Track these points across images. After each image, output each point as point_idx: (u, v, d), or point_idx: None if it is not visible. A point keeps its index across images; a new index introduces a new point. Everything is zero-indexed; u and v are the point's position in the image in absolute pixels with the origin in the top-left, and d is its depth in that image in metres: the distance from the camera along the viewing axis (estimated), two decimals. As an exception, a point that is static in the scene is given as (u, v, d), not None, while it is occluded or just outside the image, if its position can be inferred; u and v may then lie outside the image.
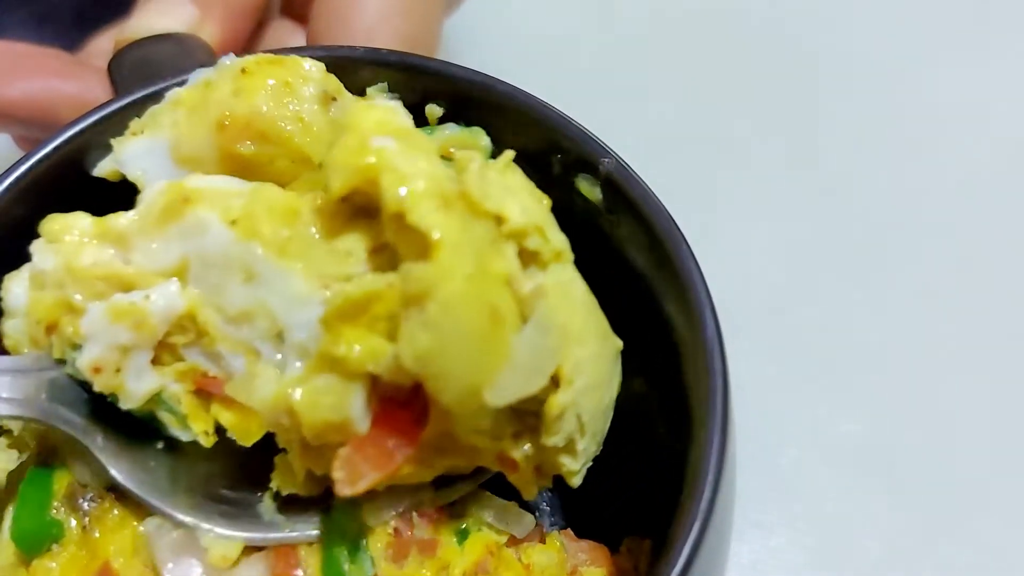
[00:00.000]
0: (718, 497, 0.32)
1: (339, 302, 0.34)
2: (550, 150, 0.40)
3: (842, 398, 0.57)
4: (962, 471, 0.54)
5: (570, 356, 0.35)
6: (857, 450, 0.55)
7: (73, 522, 0.37)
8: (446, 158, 0.37)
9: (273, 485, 0.37)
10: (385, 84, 0.42)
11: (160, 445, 0.38)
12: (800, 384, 0.57)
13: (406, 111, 0.37)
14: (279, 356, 0.36)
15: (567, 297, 0.35)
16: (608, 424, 0.38)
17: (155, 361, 0.37)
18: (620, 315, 0.43)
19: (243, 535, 0.37)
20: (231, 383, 0.36)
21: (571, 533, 0.40)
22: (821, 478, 0.54)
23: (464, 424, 0.34)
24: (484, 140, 0.41)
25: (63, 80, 0.48)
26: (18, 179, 0.39)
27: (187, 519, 0.37)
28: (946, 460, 0.54)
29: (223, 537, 0.36)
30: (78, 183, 0.40)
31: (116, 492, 0.37)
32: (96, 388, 0.36)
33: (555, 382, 0.34)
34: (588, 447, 0.37)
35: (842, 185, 0.64)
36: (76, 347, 0.36)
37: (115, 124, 0.40)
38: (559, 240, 0.36)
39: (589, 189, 0.40)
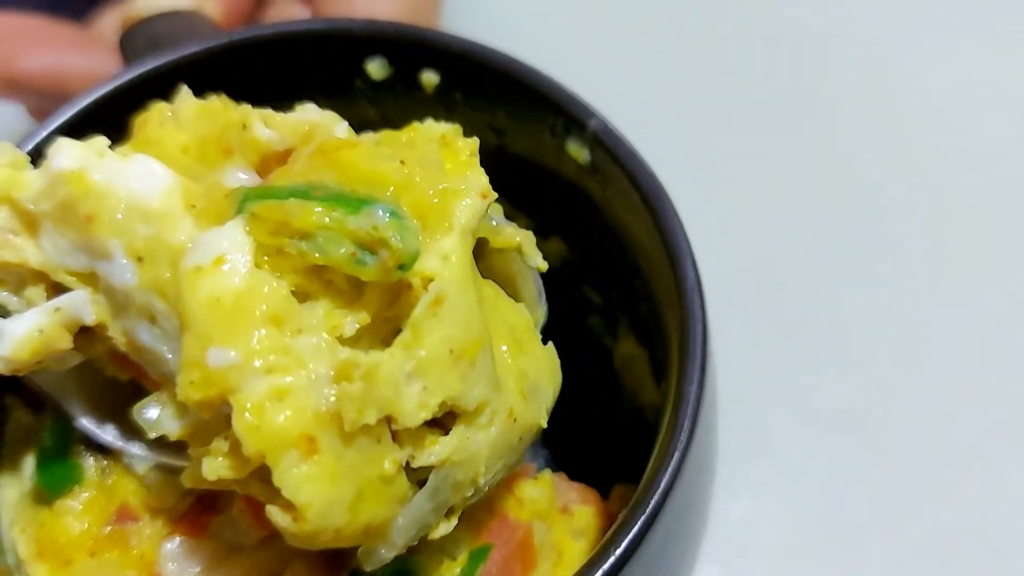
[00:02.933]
0: (695, 436, 0.34)
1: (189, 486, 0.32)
2: (541, 115, 0.42)
3: (832, 361, 0.57)
4: (950, 433, 0.55)
5: (464, 494, 0.33)
6: (846, 413, 0.55)
7: (92, 465, 0.39)
8: (364, 246, 0.31)
9: (182, 479, 0.34)
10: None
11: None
12: (790, 348, 0.58)
13: (242, 236, 0.31)
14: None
15: (472, 457, 0.33)
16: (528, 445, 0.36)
17: (76, 341, 0.34)
18: (611, 275, 0.45)
19: (163, 458, 0.37)
20: (136, 408, 0.33)
21: (564, 476, 0.41)
22: (810, 440, 0.55)
23: None
24: (411, 244, 0.31)
25: (77, 53, 0.50)
26: (37, 147, 0.40)
27: (109, 438, 0.37)
28: (934, 422, 0.55)
29: (143, 457, 0.37)
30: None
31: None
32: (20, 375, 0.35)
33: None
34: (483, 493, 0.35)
35: (837, 158, 0.64)
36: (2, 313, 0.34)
37: (128, 94, 0.42)
38: (479, 395, 0.32)
39: (578, 151, 0.41)
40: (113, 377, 0.36)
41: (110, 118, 0.42)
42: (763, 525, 0.53)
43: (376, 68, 0.44)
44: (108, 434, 0.38)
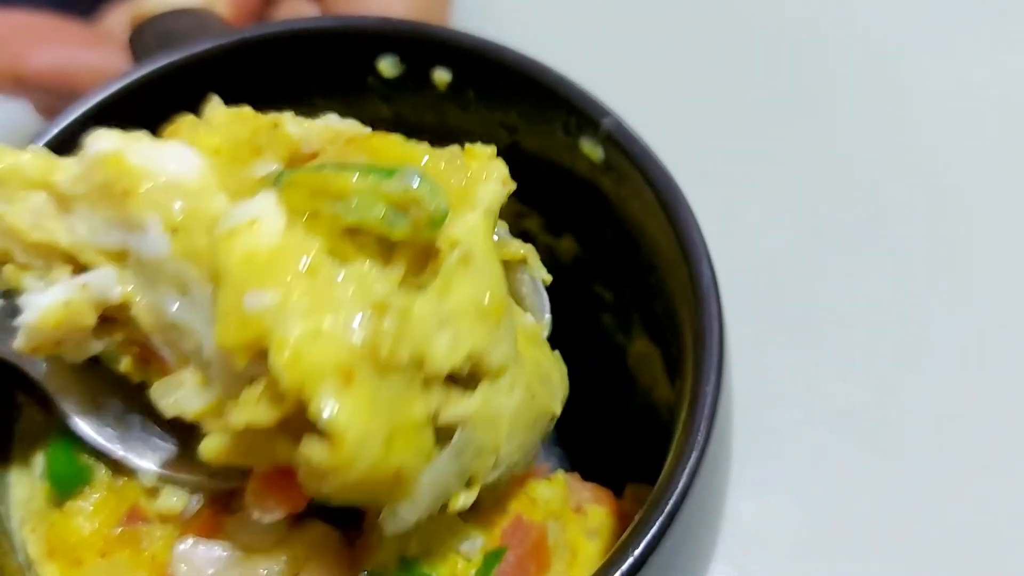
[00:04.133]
0: (712, 436, 0.34)
1: (229, 442, 0.32)
2: (554, 113, 0.42)
3: (842, 362, 0.57)
4: (957, 432, 0.55)
5: (484, 465, 0.34)
6: (854, 412, 0.56)
7: (103, 466, 0.38)
8: (398, 207, 0.32)
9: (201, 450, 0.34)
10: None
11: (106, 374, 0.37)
12: (798, 347, 0.58)
13: (274, 204, 0.32)
14: (205, 368, 0.33)
15: (495, 417, 0.33)
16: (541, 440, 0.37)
17: (96, 329, 0.35)
18: (624, 273, 0.45)
19: (170, 473, 0.37)
20: (156, 387, 0.34)
21: (578, 476, 0.41)
22: (818, 439, 0.55)
23: None
24: (441, 203, 0.32)
25: (85, 50, 0.50)
26: (49, 143, 0.40)
27: (119, 451, 0.37)
28: (942, 421, 0.55)
29: (154, 474, 0.37)
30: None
31: None
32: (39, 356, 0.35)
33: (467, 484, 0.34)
34: (503, 475, 0.36)
35: (841, 158, 0.64)
36: (19, 291, 0.35)
37: (138, 92, 0.42)
38: (500, 356, 0.33)
39: (591, 149, 0.41)
40: (122, 392, 0.37)
41: (120, 115, 0.42)
42: (773, 524, 0.53)
43: (388, 66, 0.44)
44: (116, 449, 0.38)
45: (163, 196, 0.33)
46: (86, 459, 0.38)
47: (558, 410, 0.37)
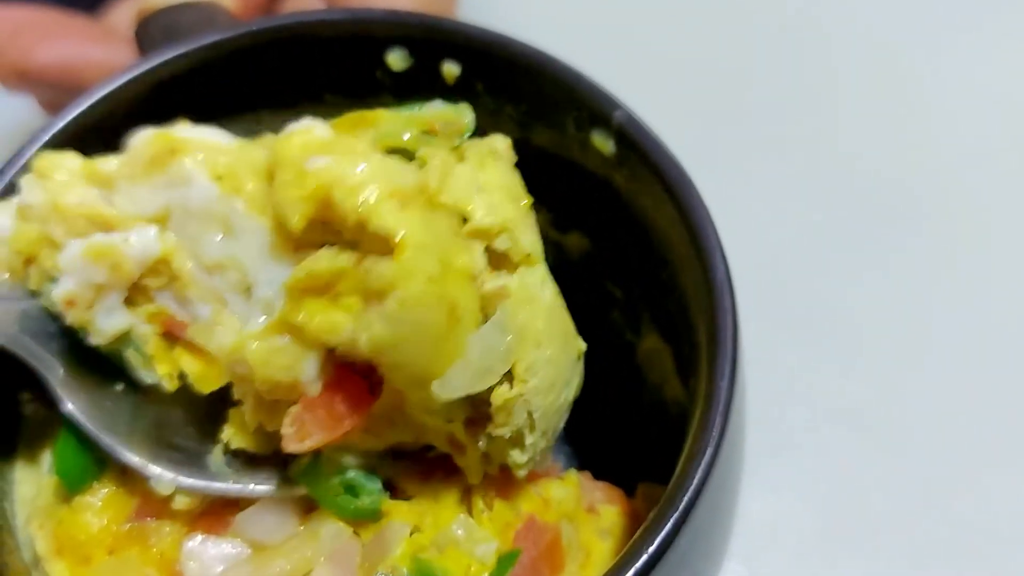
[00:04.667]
0: (726, 433, 0.33)
1: (302, 275, 0.34)
2: (564, 106, 0.41)
3: (852, 360, 0.57)
4: (966, 431, 0.55)
5: (525, 357, 0.35)
6: (865, 411, 0.55)
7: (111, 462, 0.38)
8: (430, 133, 0.38)
9: (224, 437, 0.38)
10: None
11: (120, 387, 0.38)
12: (808, 345, 0.57)
13: (322, 123, 0.37)
14: (245, 309, 0.36)
15: (531, 301, 0.36)
16: (563, 422, 0.39)
17: (127, 301, 0.37)
18: (634, 270, 0.45)
19: (188, 481, 0.37)
20: (194, 327, 0.37)
21: (589, 475, 0.41)
22: (829, 438, 0.55)
23: (416, 404, 0.35)
24: (468, 117, 0.39)
25: (90, 45, 0.50)
26: (55, 136, 0.40)
27: (134, 459, 0.37)
28: (951, 420, 0.55)
29: (166, 480, 0.37)
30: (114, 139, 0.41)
31: None
32: (67, 321, 0.36)
33: (509, 379, 0.35)
34: (537, 442, 0.37)
35: (851, 155, 0.64)
36: (53, 279, 0.36)
37: (145, 84, 0.42)
38: (530, 243, 0.36)
39: (603, 142, 0.41)
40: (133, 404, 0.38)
41: (126, 110, 0.42)
42: (784, 522, 0.53)
43: (397, 59, 0.43)
44: (132, 457, 0.38)
45: (207, 153, 0.37)
46: (94, 454, 0.38)
47: (583, 345, 0.39)
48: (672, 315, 0.42)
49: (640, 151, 0.39)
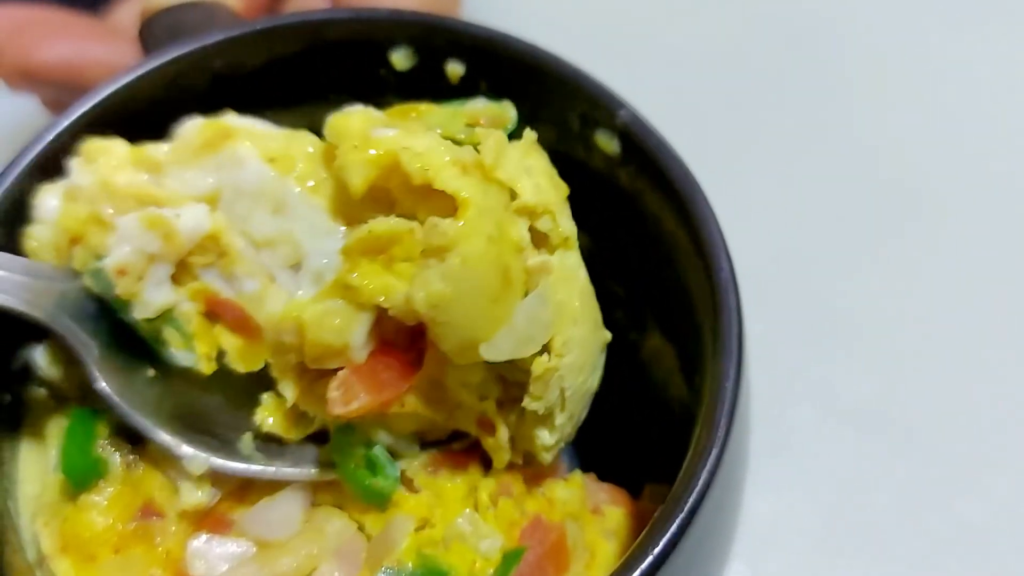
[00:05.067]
0: (732, 433, 0.33)
1: (363, 235, 0.35)
2: (568, 105, 0.41)
3: (857, 358, 0.57)
4: (975, 430, 0.55)
5: (563, 332, 0.37)
6: (871, 409, 0.55)
7: (117, 460, 0.38)
8: (472, 125, 0.39)
9: (257, 419, 0.39)
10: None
11: (151, 373, 0.39)
12: (813, 343, 0.57)
13: (376, 109, 0.39)
14: (293, 283, 0.38)
15: (569, 280, 0.38)
16: (586, 410, 0.40)
17: (173, 279, 0.38)
18: (637, 269, 0.45)
19: (220, 462, 0.38)
20: (242, 295, 0.38)
21: (594, 476, 0.41)
22: (836, 436, 0.55)
23: (456, 377, 0.36)
24: (511, 112, 0.41)
25: (93, 44, 0.50)
26: (59, 135, 0.40)
27: (167, 438, 0.38)
28: (959, 418, 0.55)
29: (198, 460, 0.37)
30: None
31: None
32: (117, 291, 0.37)
33: (547, 352, 0.36)
34: (564, 426, 0.38)
35: (862, 151, 0.64)
36: (99, 257, 0.37)
37: (149, 83, 0.42)
38: (568, 227, 0.38)
39: (606, 142, 0.41)
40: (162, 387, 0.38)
41: (130, 109, 0.42)
42: (788, 521, 0.53)
43: (401, 58, 0.43)
44: (165, 436, 0.38)
45: (259, 139, 0.39)
46: (101, 452, 0.38)
47: (608, 336, 0.41)
48: (676, 314, 0.42)
49: (644, 150, 0.39)
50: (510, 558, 0.36)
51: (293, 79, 0.44)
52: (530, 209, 0.37)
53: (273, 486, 0.38)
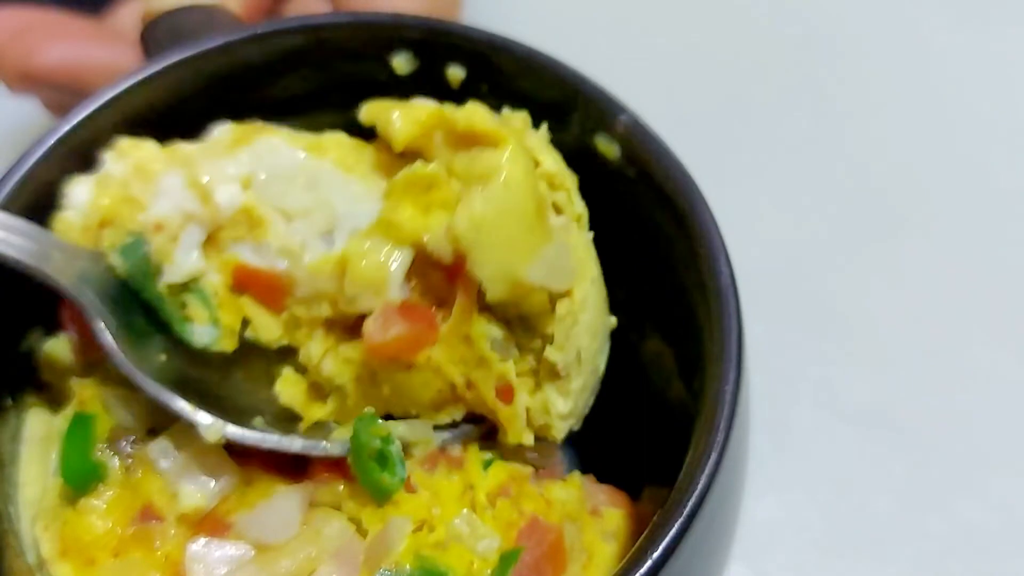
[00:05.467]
0: (731, 436, 0.33)
1: (407, 174, 0.38)
2: (569, 109, 0.41)
3: (857, 360, 0.57)
4: (975, 430, 0.55)
5: (580, 288, 0.39)
6: (871, 410, 0.55)
7: (116, 463, 0.38)
8: None
9: (275, 390, 0.40)
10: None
11: (164, 357, 0.39)
12: (815, 346, 0.57)
13: None
14: (325, 247, 0.40)
15: (584, 249, 0.39)
16: (592, 399, 0.41)
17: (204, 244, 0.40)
18: (638, 272, 0.45)
19: (236, 431, 0.38)
20: (279, 250, 0.39)
21: (592, 477, 0.41)
22: (835, 438, 0.55)
23: (481, 329, 0.38)
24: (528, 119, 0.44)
25: (94, 46, 0.50)
26: (61, 138, 0.40)
27: (184, 405, 0.37)
28: (959, 419, 0.55)
29: (214, 427, 0.37)
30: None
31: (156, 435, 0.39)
32: (151, 248, 0.38)
33: (567, 299, 0.39)
34: (577, 398, 0.40)
35: (861, 149, 0.64)
36: (132, 233, 0.38)
37: (151, 86, 0.42)
38: (581, 207, 0.40)
39: (607, 146, 0.41)
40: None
41: (131, 112, 0.42)
42: (789, 522, 0.53)
43: (402, 63, 0.43)
44: (183, 403, 0.38)
45: (290, 135, 0.41)
46: (99, 455, 0.38)
47: (614, 321, 0.42)
48: (676, 318, 0.42)
49: (645, 154, 0.39)
50: (507, 559, 0.36)
51: (293, 83, 0.44)
52: (551, 177, 0.39)
53: (271, 487, 0.38)
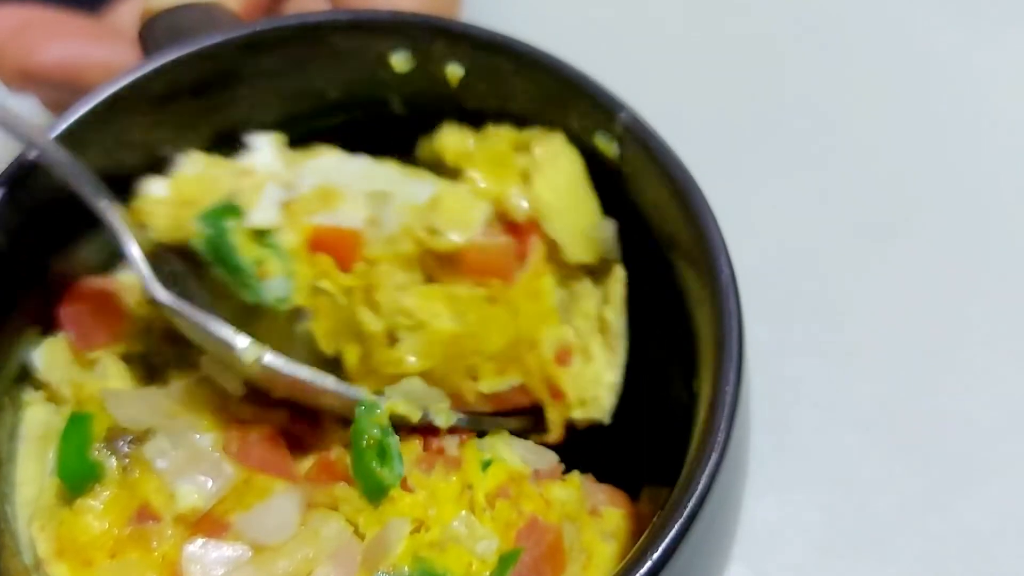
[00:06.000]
0: (732, 437, 0.33)
1: (490, 134, 0.42)
2: (568, 107, 0.41)
3: (859, 361, 0.57)
4: (975, 431, 0.55)
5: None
6: (872, 411, 0.55)
7: (113, 463, 0.38)
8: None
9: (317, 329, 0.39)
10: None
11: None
12: (818, 347, 0.57)
13: None
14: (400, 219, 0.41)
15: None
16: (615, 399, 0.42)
17: None
18: (637, 271, 0.45)
19: (273, 359, 0.37)
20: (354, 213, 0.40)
21: (592, 477, 0.41)
22: (837, 439, 0.55)
23: (549, 285, 0.40)
24: None
25: (93, 45, 0.49)
26: (59, 136, 0.40)
27: (226, 330, 0.37)
28: (960, 421, 0.55)
29: (253, 350, 0.37)
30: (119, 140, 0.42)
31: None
32: (240, 187, 0.39)
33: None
34: (618, 371, 0.42)
35: (866, 149, 0.64)
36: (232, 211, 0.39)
37: (150, 84, 0.42)
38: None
39: (606, 145, 0.41)
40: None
41: (130, 110, 0.42)
42: (790, 524, 0.53)
43: (400, 61, 0.43)
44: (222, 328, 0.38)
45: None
46: (96, 455, 0.38)
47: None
48: (676, 317, 0.42)
49: (645, 153, 0.39)
50: (506, 560, 0.36)
51: (292, 82, 0.44)
52: None
53: (269, 487, 0.38)
